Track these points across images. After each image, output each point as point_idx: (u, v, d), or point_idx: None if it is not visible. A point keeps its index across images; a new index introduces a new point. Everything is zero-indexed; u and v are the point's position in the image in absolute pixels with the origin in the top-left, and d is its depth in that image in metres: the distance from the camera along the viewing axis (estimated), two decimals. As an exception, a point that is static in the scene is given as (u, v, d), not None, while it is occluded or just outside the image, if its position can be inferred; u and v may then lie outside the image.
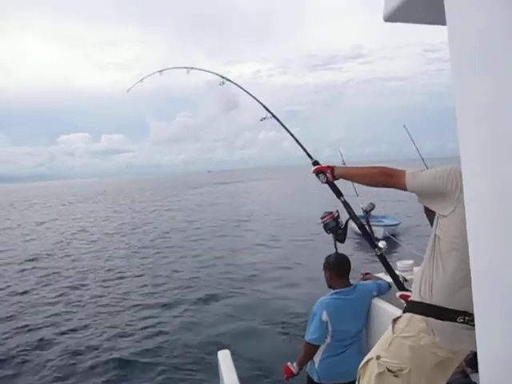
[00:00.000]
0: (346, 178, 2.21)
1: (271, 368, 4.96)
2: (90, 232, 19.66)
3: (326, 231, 2.51)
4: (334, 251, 2.77)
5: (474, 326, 1.66)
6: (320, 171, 2.33)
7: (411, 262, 3.16)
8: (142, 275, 10.82)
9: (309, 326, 2.84)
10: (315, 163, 2.50)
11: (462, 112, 0.92)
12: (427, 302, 1.74)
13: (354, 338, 2.83)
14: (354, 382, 2.54)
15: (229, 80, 3.22)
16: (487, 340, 0.91)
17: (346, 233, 2.53)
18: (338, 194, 2.48)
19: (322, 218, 2.52)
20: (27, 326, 7.34)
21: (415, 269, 3.00)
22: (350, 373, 2.74)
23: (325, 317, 2.74)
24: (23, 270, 12.05)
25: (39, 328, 7.23)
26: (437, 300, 1.72)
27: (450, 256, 1.70)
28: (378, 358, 1.77)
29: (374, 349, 1.86)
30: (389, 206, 18.39)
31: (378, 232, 12.30)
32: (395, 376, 1.71)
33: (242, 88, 3.22)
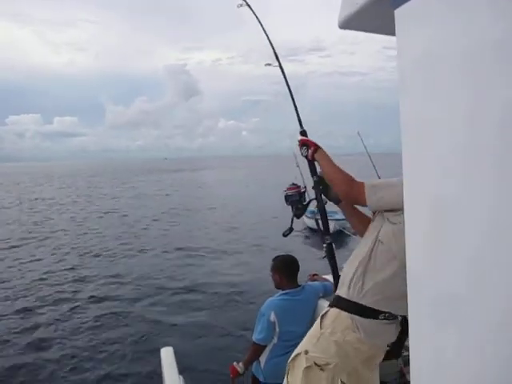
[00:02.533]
0: (319, 163, 2.16)
1: (216, 366, 4.90)
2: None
3: (286, 202, 2.44)
4: (279, 253, 2.72)
5: (392, 320, 1.86)
6: (305, 144, 2.24)
7: None
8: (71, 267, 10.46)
9: (256, 326, 2.82)
10: (303, 133, 2.41)
11: (405, 123, 0.95)
12: (355, 300, 1.79)
13: (301, 338, 2.83)
14: None
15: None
16: (419, 344, 0.95)
17: (305, 210, 2.48)
18: (314, 172, 2.38)
19: (288, 188, 2.44)
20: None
21: (345, 265, 3.03)
22: None
23: (273, 317, 2.72)
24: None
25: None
26: (366, 301, 1.79)
27: (390, 263, 1.76)
28: (306, 352, 1.83)
29: (302, 344, 1.91)
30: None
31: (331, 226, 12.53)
32: (321, 370, 1.77)
33: (257, 18, 2.89)
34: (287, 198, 2.44)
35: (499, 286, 0.75)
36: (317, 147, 2.18)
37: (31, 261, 11.20)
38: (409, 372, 2.16)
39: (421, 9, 0.90)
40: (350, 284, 1.83)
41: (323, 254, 2.45)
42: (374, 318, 1.78)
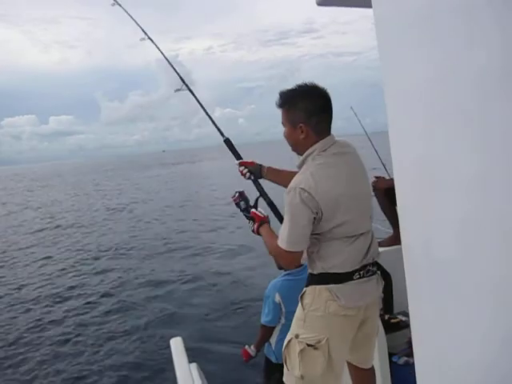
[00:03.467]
0: (262, 238, 2.13)
1: (228, 353, 4.99)
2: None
3: (241, 211, 2.44)
4: None
5: (369, 276, 1.83)
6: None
7: None
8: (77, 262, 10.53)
9: (263, 309, 2.89)
10: (226, 141, 2.53)
11: (388, 89, 0.96)
12: (323, 271, 1.83)
13: None
14: None
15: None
16: (419, 312, 0.97)
17: (256, 209, 2.42)
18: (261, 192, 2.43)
19: (233, 198, 2.44)
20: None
21: None
22: None
23: (277, 299, 2.78)
24: None
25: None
26: (332, 268, 1.81)
27: (332, 238, 1.81)
28: (296, 336, 1.86)
29: (291, 328, 1.93)
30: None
31: None
32: (315, 349, 1.79)
33: (160, 50, 3.03)
34: (238, 207, 2.41)
35: (490, 245, 0.76)
36: (259, 219, 2.14)
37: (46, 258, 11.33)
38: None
39: None
40: (311, 261, 1.89)
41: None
42: (349, 280, 1.81)
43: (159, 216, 17.03)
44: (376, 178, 3.18)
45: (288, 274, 2.87)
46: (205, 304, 7.11)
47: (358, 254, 1.82)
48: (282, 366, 2.80)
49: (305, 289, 1.91)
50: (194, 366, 2.56)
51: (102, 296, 7.90)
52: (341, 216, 1.76)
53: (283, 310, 2.79)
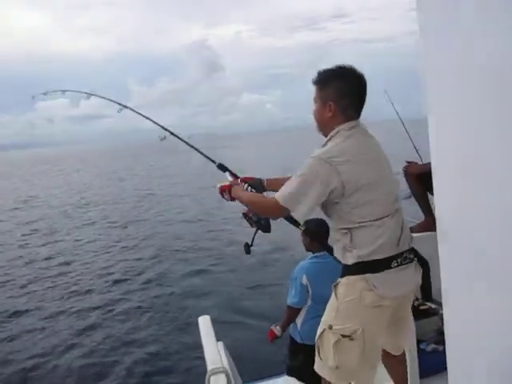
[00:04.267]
0: (239, 200, 2.13)
1: (253, 332, 5.10)
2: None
3: (251, 225, 2.42)
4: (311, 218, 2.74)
5: (406, 264, 1.78)
6: (223, 190, 2.23)
7: None
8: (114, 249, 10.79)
9: (290, 290, 2.91)
10: (220, 166, 2.50)
11: (430, 82, 0.94)
12: (358, 260, 1.76)
13: None
14: None
15: (126, 107, 3.17)
16: (452, 291, 0.96)
17: (269, 223, 2.43)
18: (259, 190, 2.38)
19: (243, 215, 2.42)
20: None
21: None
22: None
23: (304, 280, 2.80)
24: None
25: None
26: (368, 256, 1.74)
27: (362, 220, 1.74)
28: (330, 327, 1.81)
29: (323, 319, 1.89)
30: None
31: None
32: (351, 339, 1.75)
33: (139, 113, 3.17)
34: (250, 222, 2.36)
35: None
36: (230, 186, 2.15)
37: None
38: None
39: None
40: (343, 251, 1.83)
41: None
42: (387, 269, 1.74)
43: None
44: (408, 162, 3.09)
45: (315, 257, 2.89)
46: (232, 283, 7.27)
47: (391, 235, 1.75)
48: (307, 346, 2.84)
49: (339, 279, 1.86)
50: (220, 344, 2.62)
51: (138, 273, 8.28)
52: (365, 194, 1.72)
53: (310, 291, 2.81)
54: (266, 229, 2.45)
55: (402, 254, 1.78)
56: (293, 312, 2.90)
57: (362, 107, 1.86)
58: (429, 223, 2.82)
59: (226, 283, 7.38)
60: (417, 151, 4.17)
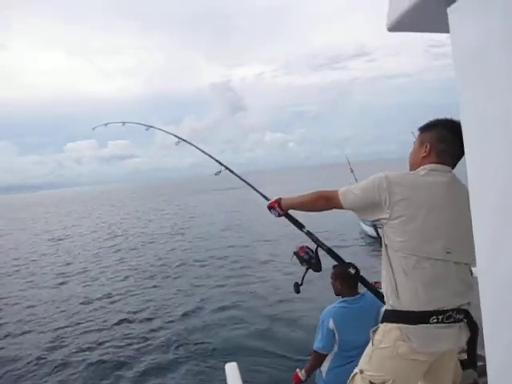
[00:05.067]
0: (292, 208, 2.25)
1: (278, 374, 4.94)
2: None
3: (301, 263, 2.50)
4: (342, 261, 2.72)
5: (450, 323, 1.67)
6: (271, 207, 2.32)
7: None
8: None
9: (317, 334, 2.85)
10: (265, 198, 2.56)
11: (466, 122, 0.94)
12: (396, 308, 1.73)
13: (361, 347, 2.77)
14: None
15: (184, 140, 3.46)
16: (496, 343, 0.90)
17: (319, 261, 2.52)
18: (299, 226, 2.51)
19: (294, 254, 2.51)
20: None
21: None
22: None
23: (331, 325, 2.74)
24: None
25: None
26: (405, 305, 1.70)
27: (406, 260, 1.70)
28: (361, 372, 1.79)
29: (359, 362, 1.87)
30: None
31: None
32: None
33: (195, 146, 3.44)
34: (301, 261, 2.49)
35: None
36: (278, 201, 2.26)
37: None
38: (485, 383, 2.05)
39: (475, 3, 0.89)
40: (387, 296, 1.80)
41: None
42: (423, 323, 1.67)
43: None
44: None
45: (344, 301, 2.82)
46: (257, 323, 7.16)
47: (436, 287, 1.67)
48: None
49: (379, 325, 1.83)
50: None
51: (168, 321, 8.07)
52: (409, 225, 1.68)
53: (337, 337, 2.73)
54: (317, 267, 2.49)
55: (446, 311, 1.68)
56: (318, 357, 2.82)
57: (458, 158, 1.84)
58: None
59: (252, 323, 7.30)
60: None
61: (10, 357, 6.66)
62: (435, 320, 1.66)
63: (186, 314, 8.19)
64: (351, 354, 2.74)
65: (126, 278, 11.92)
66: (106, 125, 3.93)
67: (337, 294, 2.92)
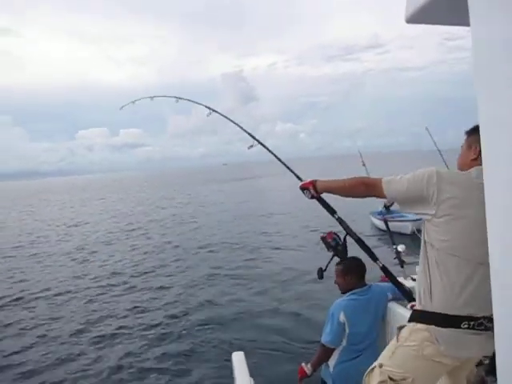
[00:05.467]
0: (328, 191, 2.21)
1: (284, 367, 4.96)
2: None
3: (328, 249, 2.54)
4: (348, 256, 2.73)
5: (480, 330, 1.64)
6: (304, 188, 2.31)
7: None
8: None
9: (325, 328, 2.81)
10: (298, 178, 2.56)
11: (485, 116, 0.91)
12: (428, 309, 1.72)
13: (369, 341, 2.78)
14: None
15: (215, 111, 3.36)
16: (507, 346, 0.89)
17: (346, 249, 2.55)
18: (331, 211, 2.51)
19: (322, 239, 2.55)
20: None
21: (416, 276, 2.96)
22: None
23: (342, 318, 2.70)
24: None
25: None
26: (437, 307, 1.69)
27: (445, 260, 1.68)
28: (380, 366, 1.79)
29: (380, 357, 1.87)
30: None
31: (406, 227, 11.91)
32: None
33: (227, 118, 3.36)
34: (327, 246, 2.54)
35: None
36: (313, 182, 2.24)
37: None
38: (492, 381, 2.04)
39: None
40: (419, 294, 1.79)
41: (393, 255, 2.46)
42: (454, 327, 1.65)
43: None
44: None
45: (353, 294, 2.80)
46: (269, 320, 7.12)
47: (472, 293, 1.64)
48: None
49: (406, 323, 1.82)
50: (252, 380, 2.57)
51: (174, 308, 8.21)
52: (455, 226, 1.65)
53: (346, 330, 2.71)
54: (343, 255, 2.51)
55: (478, 318, 1.65)
56: (325, 351, 2.79)
57: None
58: None
59: (260, 312, 7.37)
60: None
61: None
62: (466, 326, 1.65)
63: (195, 303, 8.28)
64: (359, 348, 2.74)
65: (142, 261, 12.34)
66: (133, 102, 3.85)
67: (343, 292, 2.90)
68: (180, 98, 3.57)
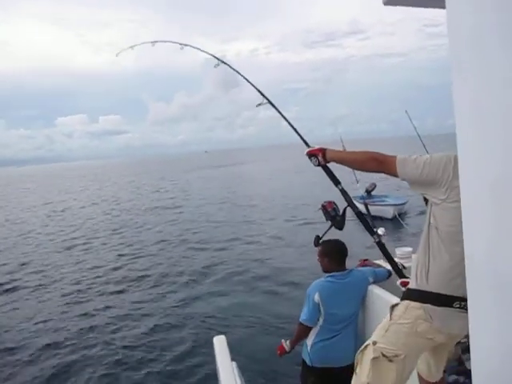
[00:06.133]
0: (337, 161, 2.18)
1: (264, 347, 5.04)
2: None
3: (326, 219, 2.55)
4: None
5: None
6: (312, 154, 2.29)
7: (410, 249, 3.18)
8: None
9: (303, 307, 2.90)
10: (307, 144, 2.52)
11: (459, 103, 0.91)
12: (423, 288, 1.76)
13: (346, 322, 2.86)
14: (346, 367, 2.57)
15: (223, 62, 3.13)
16: (480, 329, 0.93)
17: (344, 220, 2.56)
18: (335, 181, 2.49)
19: (322, 207, 2.55)
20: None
21: (413, 256, 3.00)
22: (341, 358, 2.76)
23: (317, 298, 2.78)
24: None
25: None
26: (433, 286, 1.74)
27: (448, 244, 1.71)
28: (374, 343, 1.82)
29: (373, 335, 1.90)
30: (392, 184, 17.05)
31: (387, 212, 12.06)
32: (390, 361, 1.75)
33: (237, 71, 3.15)
34: (325, 215, 2.56)
35: None
36: (322, 150, 2.23)
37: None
38: (468, 359, 2.12)
39: None
40: (416, 274, 1.82)
41: (373, 239, 2.49)
42: (447, 306, 1.72)
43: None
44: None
45: (331, 276, 2.87)
46: (243, 294, 7.33)
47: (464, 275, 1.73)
48: (317, 369, 2.78)
49: (399, 301, 1.87)
50: (234, 364, 2.59)
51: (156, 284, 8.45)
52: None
53: (322, 311, 2.79)
54: (340, 226, 2.54)
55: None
56: (303, 329, 2.88)
57: None
58: None
59: (239, 294, 7.49)
60: None
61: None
62: (458, 305, 1.71)
63: (177, 284, 8.41)
64: (336, 328, 2.82)
65: (130, 245, 12.65)
66: (132, 48, 3.47)
67: (324, 271, 2.96)
68: (185, 45, 3.30)
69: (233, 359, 2.59)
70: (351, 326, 2.88)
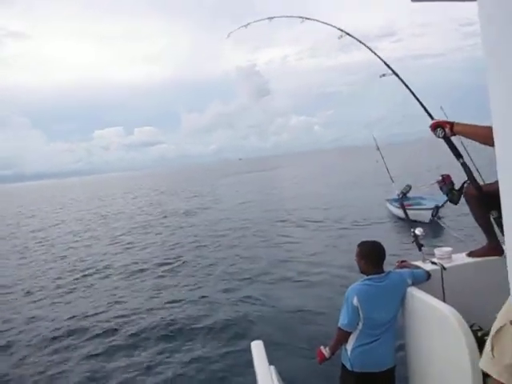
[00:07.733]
0: (463, 135, 2.29)
1: (304, 353, 5.01)
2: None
3: (442, 192, 2.63)
4: (366, 238, 2.72)
5: None
6: (438, 126, 2.37)
7: (450, 249, 3.04)
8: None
9: (341, 312, 2.85)
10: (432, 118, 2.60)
11: (494, 92, 0.89)
12: None
13: (386, 326, 2.81)
14: (386, 371, 2.49)
15: (348, 34, 3.15)
16: None
17: (460, 195, 2.59)
18: (457, 154, 2.52)
19: (441, 179, 2.60)
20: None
21: (454, 256, 2.89)
22: (381, 362, 2.71)
23: (355, 302, 2.74)
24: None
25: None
26: None
27: None
28: (511, 322, 1.59)
29: (501, 317, 1.65)
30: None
31: (425, 216, 11.58)
32: None
33: (361, 41, 3.21)
34: (442, 189, 2.64)
35: None
36: (451, 123, 2.31)
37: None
38: None
39: None
40: None
41: (411, 239, 2.45)
42: None
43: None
44: (467, 182, 2.98)
45: (368, 279, 2.82)
46: (284, 302, 7.25)
47: None
48: (357, 374, 2.71)
49: None
50: (272, 368, 2.60)
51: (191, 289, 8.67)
52: None
53: (361, 315, 2.74)
54: (456, 199, 2.56)
55: None
56: (342, 334, 2.83)
57: None
58: (492, 247, 2.68)
59: (279, 300, 7.45)
60: (477, 171, 3.97)
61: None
62: None
63: (215, 289, 8.53)
64: (375, 333, 2.77)
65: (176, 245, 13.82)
66: (245, 26, 3.56)
67: (362, 272, 2.93)
68: (307, 18, 3.27)
69: (271, 363, 2.60)
70: (390, 330, 2.82)
